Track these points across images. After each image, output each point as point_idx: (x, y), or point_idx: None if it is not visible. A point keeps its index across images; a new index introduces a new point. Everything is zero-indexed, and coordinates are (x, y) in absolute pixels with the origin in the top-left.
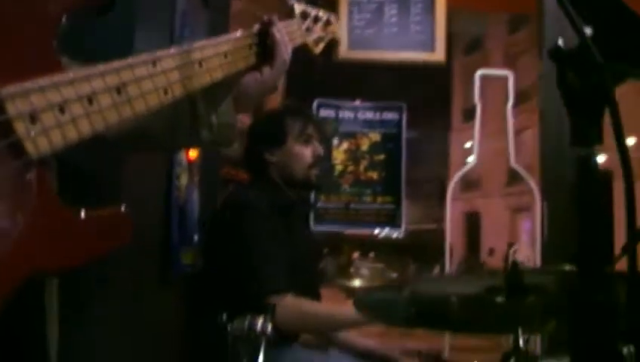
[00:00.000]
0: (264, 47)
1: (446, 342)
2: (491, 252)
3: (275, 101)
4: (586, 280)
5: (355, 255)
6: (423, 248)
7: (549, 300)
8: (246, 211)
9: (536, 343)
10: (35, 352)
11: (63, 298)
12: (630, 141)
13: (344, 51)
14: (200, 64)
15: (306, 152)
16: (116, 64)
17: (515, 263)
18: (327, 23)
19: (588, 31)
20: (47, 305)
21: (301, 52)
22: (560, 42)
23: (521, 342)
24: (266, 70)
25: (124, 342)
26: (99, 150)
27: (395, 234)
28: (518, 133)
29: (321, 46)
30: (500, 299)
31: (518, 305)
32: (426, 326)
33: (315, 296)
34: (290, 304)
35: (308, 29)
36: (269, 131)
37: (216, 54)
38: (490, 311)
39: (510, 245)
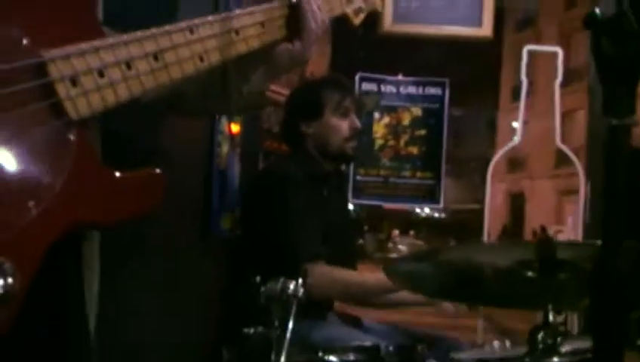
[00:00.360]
0: (296, 18)
1: (480, 324)
2: (535, 234)
3: (320, 74)
4: (607, 249)
5: (396, 232)
6: (465, 228)
7: (583, 276)
8: (282, 180)
9: (574, 321)
10: (75, 304)
11: (106, 254)
12: None
13: (388, 24)
14: (237, 32)
15: (343, 125)
16: (154, 31)
17: (548, 237)
18: None
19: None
20: (89, 259)
21: (346, 26)
22: (597, 10)
23: (550, 318)
24: (297, 41)
25: (162, 299)
26: (136, 114)
27: (436, 213)
28: (569, 113)
29: (362, 17)
30: (531, 274)
31: (549, 279)
32: (457, 298)
33: (351, 267)
34: (323, 271)
35: None
36: (305, 103)
37: (253, 23)
38: (522, 285)
39: (544, 229)
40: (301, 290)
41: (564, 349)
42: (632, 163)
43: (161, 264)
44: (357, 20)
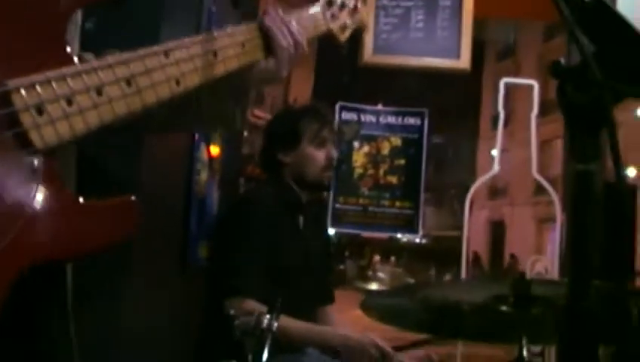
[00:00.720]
0: (268, 37)
1: (458, 351)
2: (513, 258)
3: (302, 100)
4: (574, 288)
5: (377, 258)
6: (446, 254)
7: (557, 311)
8: (247, 206)
9: (551, 354)
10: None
11: (80, 283)
12: (631, 172)
13: (369, 55)
14: (215, 54)
15: (320, 155)
16: (126, 55)
17: (522, 273)
18: (355, 9)
19: (591, 48)
20: (59, 292)
21: (329, 54)
22: (561, 59)
23: (525, 352)
24: (270, 59)
25: (138, 330)
26: (113, 140)
27: (417, 239)
28: (548, 142)
29: (348, 34)
30: (506, 308)
31: (523, 314)
32: (436, 333)
33: (323, 296)
34: (245, 308)
35: (333, 16)
36: (283, 132)
37: (232, 44)
38: (498, 320)
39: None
40: (275, 324)
41: None
42: (606, 198)
43: (138, 294)
44: (343, 37)
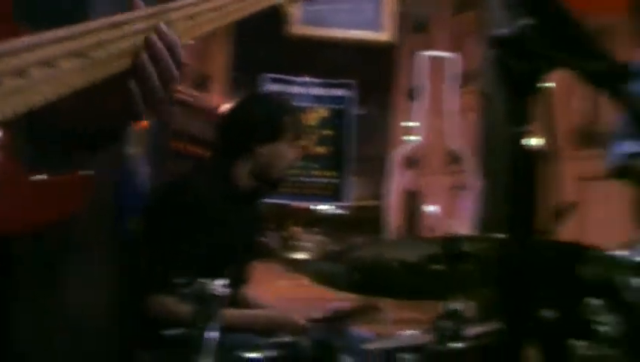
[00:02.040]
0: None
1: (385, 315)
2: (431, 230)
3: (220, 73)
4: (513, 247)
5: (298, 229)
6: (367, 224)
7: (486, 267)
8: (184, 197)
9: (472, 308)
10: None
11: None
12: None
13: (297, 27)
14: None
15: (292, 153)
16: (78, 27)
17: (454, 233)
18: None
19: (527, 21)
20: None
21: (251, 26)
22: (502, 30)
23: (452, 307)
24: None
25: (70, 303)
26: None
27: (339, 210)
28: (463, 113)
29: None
30: (438, 266)
31: (454, 272)
32: (368, 293)
33: (243, 281)
34: (160, 303)
35: None
36: (266, 124)
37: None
38: (429, 278)
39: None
40: (222, 291)
41: (467, 334)
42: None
43: (75, 270)
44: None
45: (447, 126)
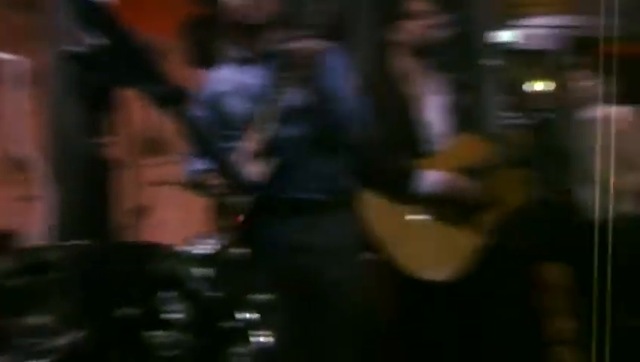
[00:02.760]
0: None
1: None
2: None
3: None
4: (91, 253)
5: None
6: None
7: (66, 276)
8: None
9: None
10: None
11: None
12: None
13: None
14: None
15: None
16: None
17: (33, 244)
18: None
19: (98, 40)
20: None
21: None
22: (75, 46)
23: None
24: None
25: None
26: None
27: None
28: (30, 117)
29: None
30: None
31: (34, 285)
32: None
33: None
34: None
35: None
36: None
37: None
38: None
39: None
40: None
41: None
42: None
43: None
44: None
45: (9, 131)
